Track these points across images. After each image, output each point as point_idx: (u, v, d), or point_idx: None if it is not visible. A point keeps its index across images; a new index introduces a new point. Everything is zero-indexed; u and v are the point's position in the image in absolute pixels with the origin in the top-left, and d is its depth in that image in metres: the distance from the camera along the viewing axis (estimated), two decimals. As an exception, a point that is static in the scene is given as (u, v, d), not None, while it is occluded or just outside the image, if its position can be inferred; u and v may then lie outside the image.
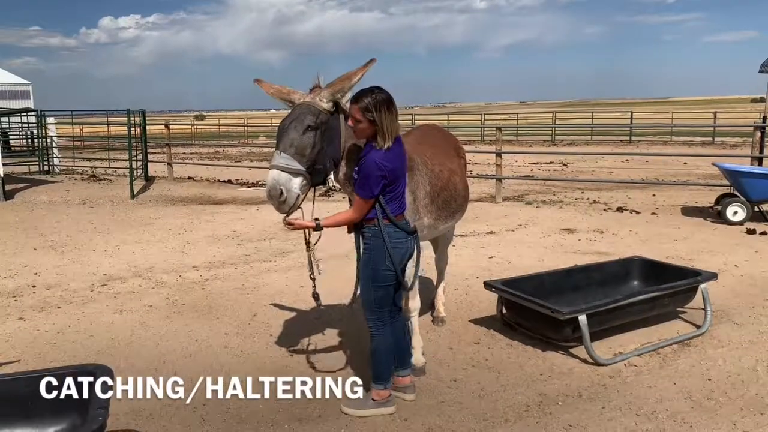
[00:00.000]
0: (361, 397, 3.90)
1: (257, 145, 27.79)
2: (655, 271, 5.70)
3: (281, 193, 3.54)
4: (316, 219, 3.70)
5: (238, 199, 12.98)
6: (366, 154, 3.56)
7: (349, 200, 4.10)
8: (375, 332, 3.81)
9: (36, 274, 7.16)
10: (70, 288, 6.62)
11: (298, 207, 3.67)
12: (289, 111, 3.71)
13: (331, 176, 3.77)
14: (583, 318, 4.53)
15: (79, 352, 4.92)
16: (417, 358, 4.42)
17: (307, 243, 3.85)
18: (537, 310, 4.70)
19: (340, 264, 6.96)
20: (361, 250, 3.74)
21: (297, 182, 3.57)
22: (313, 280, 3.98)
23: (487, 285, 5.20)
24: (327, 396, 4.09)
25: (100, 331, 5.35)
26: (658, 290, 5.07)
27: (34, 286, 6.68)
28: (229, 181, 15.62)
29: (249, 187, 14.76)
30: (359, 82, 3.65)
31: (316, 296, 4.02)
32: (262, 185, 14.81)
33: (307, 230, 3.75)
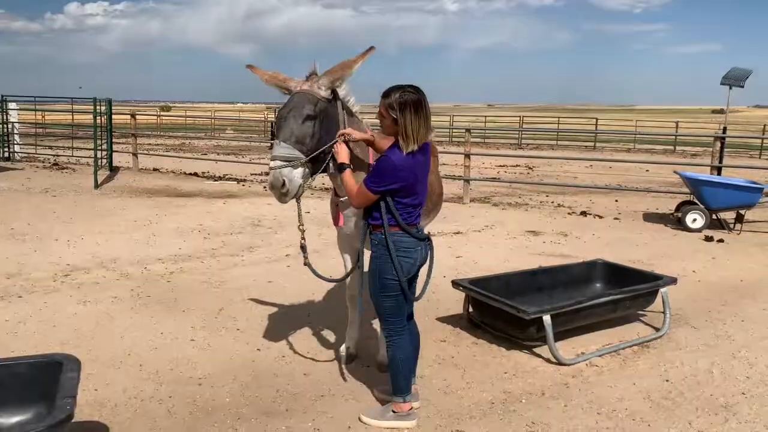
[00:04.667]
0: (380, 407, 3.83)
1: (224, 139, 27.49)
2: (617, 275, 5.84)
3: (283, 183, 3.48)
4: (348, 165, 3.59)
5: (204, 192, 12.85)
6: (388, 152, 3.43)
7: (335, 191, 4.07)
8: (390, 342, 3.65)
9: (-4, 262, 7.01)
10: (32, 277, 6.49)
11: (300, 195, 3.62)
12: (287, 99, 3.63)
13: (332, 166, 3.69)
14: (547, 318, 4.63)
15: (41, 342, 4.83)
16: (383, 354, 4.45)
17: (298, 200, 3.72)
18: (503, 310, 4.78)
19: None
20: (370, 257, 3.62)
21: (299, 172, 3.51)
22: (302, 231, 3.89)
23: (455, 284, 5.27)
24: (295, 391, 4.14)
25: (64, 322, 5.27)
26: (620, 293, 5.20)
27: (-7, 275, 6.53)
28: (196, 174, 15.45)
29: (216, 180, 14.62)
30: (357, 70, 3.60)
31: (303, 248, 3.89)
32: (230, 179, 14.73)
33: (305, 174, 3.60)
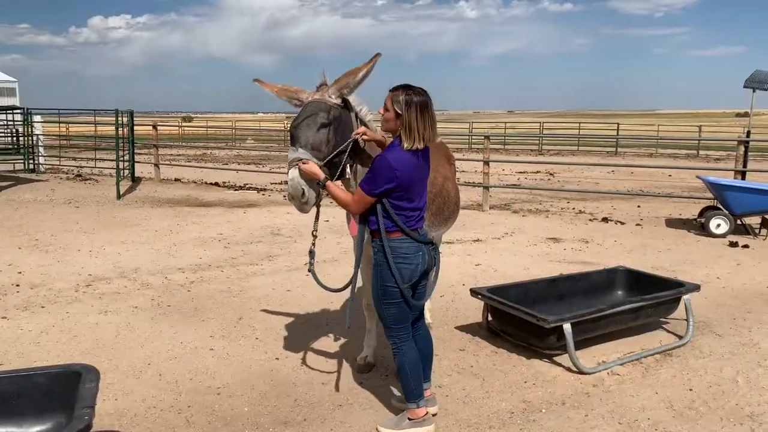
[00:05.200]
0: (397, 416, 3.81)
1: (245, 148, 27.72)
2: (639, 282, 5.76)
3: (303, 192, 3.47)
4: (326, 177, 3.53)
5: (225, 201, 12.94)
6: (384, 151, 3.43)
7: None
8: (396, 349, 3.63)
9: (20, 273, 7.10)
10: (55, 288, 6.57)
11: (320, 202, 3.61)
12: (299, 110, 3.65)
13: (348, 170, 3.68)
14: (567, 327, 4.57)
15: (63, 352, 4.89)
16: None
17: (318, 199, 3.69)
18: (522, 318, 4.74)
19: (329, 268, 7.00)
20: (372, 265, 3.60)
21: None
22: (315, 237, 3.85)
23: (474, 292, 5.23)
24: (313, 400, 4.13)
25: (85, 332, 5.32)
26: (642, 300, 5.13)
27: (18, 285, 6.62)
28: (216, 184, 15.58)
29: (236, 190, 14.72)
30: (366, 77, 3.60)
31: (311, 253, 3.86)
32: (250, 188, 14.82)
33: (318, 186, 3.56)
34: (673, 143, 33.15)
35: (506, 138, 34.71)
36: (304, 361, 4.77)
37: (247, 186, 15.17)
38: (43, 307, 5.96)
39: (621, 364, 4.74)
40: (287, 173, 3.55)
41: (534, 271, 7.31)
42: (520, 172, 19.48)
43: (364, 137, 3.66)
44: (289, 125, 3.94)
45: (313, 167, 3.49)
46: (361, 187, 3.42)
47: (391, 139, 3.60)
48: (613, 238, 9.50)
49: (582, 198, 14.06)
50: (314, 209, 3.75)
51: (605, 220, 11.09)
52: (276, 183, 15.71)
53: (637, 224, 10.72)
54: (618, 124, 35.60)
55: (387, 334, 3.66)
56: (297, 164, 3.47)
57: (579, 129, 36.52)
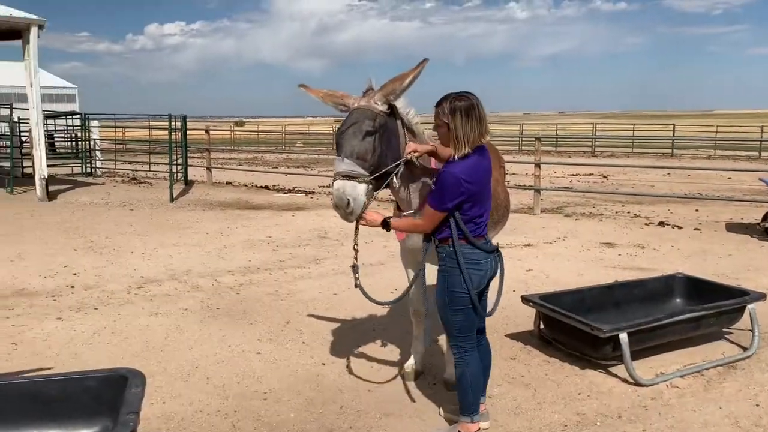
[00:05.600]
0: (448, 427, 3.73)
1: (294, 152, 27.98)
2: (699, 290, 5.50)
3: (348, 203, 3.40)
4: (387, 217, 3.57)
5: (274, 204, 13.03)
6: (446, 165, 3.38)
7: (397, 205, 4.00)
8: (459, 359, 3.51)
9: (75, 274, 7.27)
10: (108, 289, 6.69)
11: (364, 214, 3.54)
12: (345, 116, 3.59)
13: (395, 179, 3.60)
14: (624, 336, 4.38)
15: (114, 354, 4.95)
16: (450, 372, 4.33)
17: (358, 218, 3.64)
18: (576, 327, 4.57)
19: (376, 270, 6.94)
20: (437, 272, 3.52)
21: (362, 189, 3.42)
22: (356, 251, 3.76)
23: (525, 299, 5.08)
24: (359, 408, 4.06)
25: (135, 334, 5.38)
26: (703, 309, 4.89)
27: (72, 287, 6.77)
28: (266, 187, 15.72)
29: (285, 193, 14.82)
30: (412, 83, 3.51)
31: (355, 268, 3.77)
32: (299, 191, 14.91)
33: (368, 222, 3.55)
34: (733, 144, 32.02)
35: (558, 139, 34.13)
36: (349, 367, 4.70)
37: (295, 189, 15.26)
38: (96, 308, 6.07)
39: (681, 376, 4.52)
40: (332, 184, 3.47)
41: (588, 277, 7.09)
42: (573, 175, 19.07)
43: (415, 154, 3.59)
44: (336, 128, 3.87)
45: (373, 216, 3.50)
46: (431, 205, 3.37)
47: (441, 148, 3.56)
48: (670, 243, 9.17)
49: (637, 201, 13.65)
50: (354, 222, 3.68)
51: (662, 224, 10.72)
52: (324, 186, 15.76)
53: (696, 229, 10.32)
54: (674, 125, 34.58)
55: (450, 343, 3.57)
56: (341, 177, 3.39)
57: (633, 130, 35.60)
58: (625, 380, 4.43)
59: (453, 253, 3.39)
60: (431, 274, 3.74)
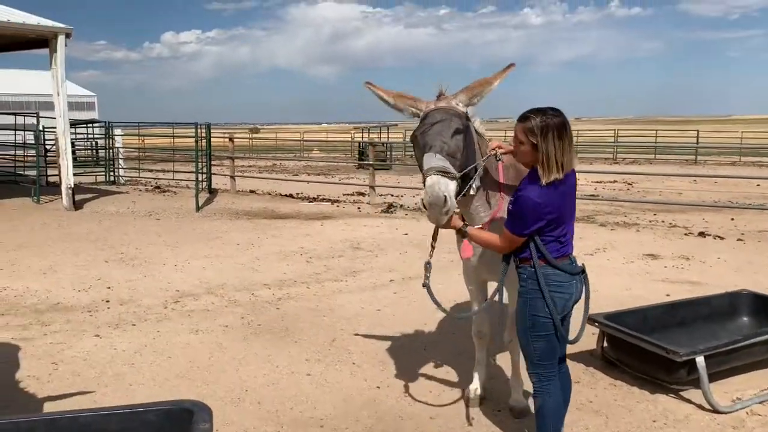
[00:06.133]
0: None
1: (313, 159, 27.84)
2: (767, 307, 5.23)
3: (445, 199, 3.11)
4: (466, 224, 3.38)
5: (301, 213, 12.84)
6: (524, 186, 3.12)
7: (460, 217, 3.77)
8: (539, 388, 3.27)
9: (109, 288, 7.09)
10: (144, 304, 6.50)
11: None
12: (424, 116, 3.37)
13: (473, 185, 3.37)
14: (701, 360, 4.13)
15: (158, 374, 4.75)
16: (516, 398, 4.09)
17: (435, 233, 3.52)
18: (645, 349, 4.32)
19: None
20: (516, 293, 3.30)
21: (454, 187, 3.18)
22: (433, 248, 3.56)
23: (591, 320, 4.82)
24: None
25: (178, 353, 5.19)
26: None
27: (107, 301, 6.60)
28: (291, 195, 15.53)
29: (310, 201, 14.62)
30: (497, 87, 3.35)
31: (428, 266, 3.52)
32: (323, 199, 14.70)
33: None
34: (757, 150, 31.51)
35: (578, 146, 33.75)
36: (407, 391, 4.47)
37: (320, 197, 15.06)
38: (134, 324, 5.88)
39: (761, 402, 4.25)
40: (424, 181, 3.17)
41: (636, 292, 6.83)
42: (597, 182, 18.74)
43: (500, 150, 3.40)
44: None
45: (456, 220, 3.31)
46: (509, 228, 3.12)
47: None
48: (715, 254, 8.86)
49: (667, 210, 13.31)
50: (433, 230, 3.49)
51: (702, 234, 10.40)
52: (348, 194, 15.57)
53: (739, 239, 10.00)
54: (698, 131, 34.11)
55: (530, 371, 3.31)
56: (436, 173, 3.12)
57: (656, 136, 35.15)
58: (700, 406, 4.17)
59: (534, 275, 3.14)
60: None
